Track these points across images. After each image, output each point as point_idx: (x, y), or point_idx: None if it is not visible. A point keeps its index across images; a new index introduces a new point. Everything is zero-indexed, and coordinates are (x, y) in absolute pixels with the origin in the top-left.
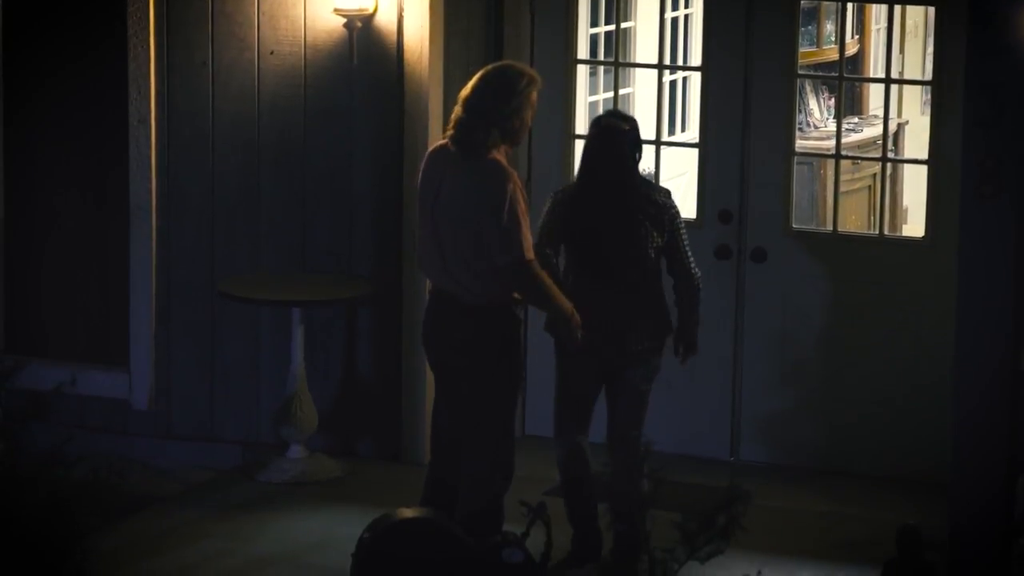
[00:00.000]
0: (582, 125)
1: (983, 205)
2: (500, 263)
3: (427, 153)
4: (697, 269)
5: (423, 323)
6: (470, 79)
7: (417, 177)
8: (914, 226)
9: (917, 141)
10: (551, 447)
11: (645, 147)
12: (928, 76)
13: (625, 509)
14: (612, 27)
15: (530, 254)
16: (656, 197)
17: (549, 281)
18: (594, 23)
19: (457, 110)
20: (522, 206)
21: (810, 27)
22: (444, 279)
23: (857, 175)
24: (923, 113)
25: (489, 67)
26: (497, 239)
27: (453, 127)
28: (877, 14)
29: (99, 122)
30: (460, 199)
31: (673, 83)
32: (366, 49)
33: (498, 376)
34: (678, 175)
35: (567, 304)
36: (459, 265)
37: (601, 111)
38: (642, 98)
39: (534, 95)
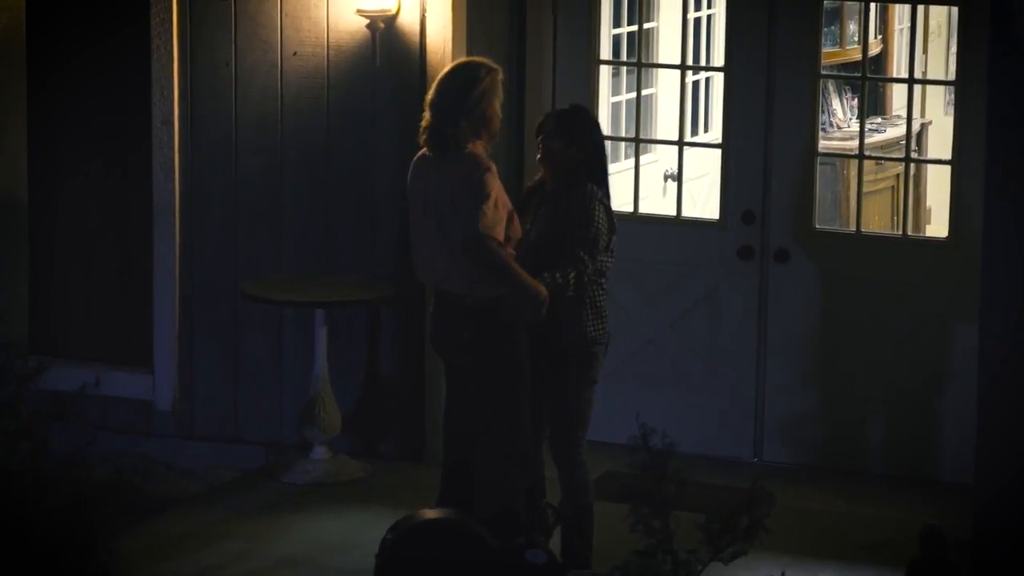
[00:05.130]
0: (606, 126)
1: (1006, 204)
2: (459, 240)
3: (413, 162)
4: (585, 263)
5: (430, 325)
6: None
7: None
8: (937, 226)
9: (940, 141)
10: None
11: (669, 148)
12: (951, 76)
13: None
14: (635, 27)
15: (489, 232)
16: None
17: (508, 259)
18: (617, 23)
19: (425, 116)
20: (497, 194)
21: (833, 27)
22: (445, 281)
23: (880, 175)
24: (946, 113)
25: (448, 67)
26: (463, 219)
27: (424, 131)
28: (900, 14)
29: (122, 124)
30: (446, 195)
31: (696, 84)
32: (389, 50)
33: (503, 373)
34: (701, 176)
35: (530, 280)
36: (455, 264)
37: (624, 112)
38: (665, 99)
39: (498, 84)
